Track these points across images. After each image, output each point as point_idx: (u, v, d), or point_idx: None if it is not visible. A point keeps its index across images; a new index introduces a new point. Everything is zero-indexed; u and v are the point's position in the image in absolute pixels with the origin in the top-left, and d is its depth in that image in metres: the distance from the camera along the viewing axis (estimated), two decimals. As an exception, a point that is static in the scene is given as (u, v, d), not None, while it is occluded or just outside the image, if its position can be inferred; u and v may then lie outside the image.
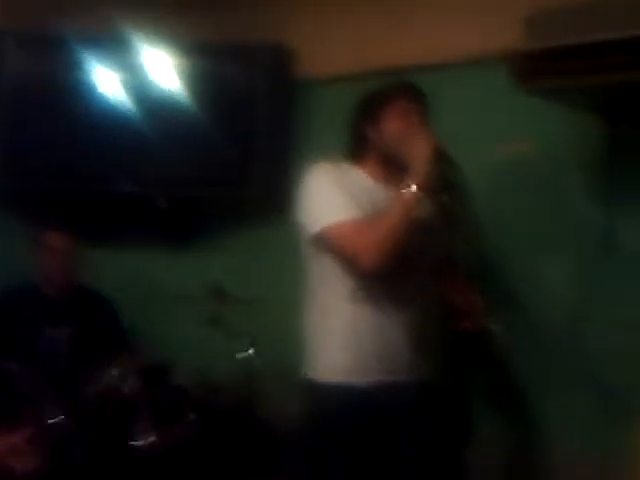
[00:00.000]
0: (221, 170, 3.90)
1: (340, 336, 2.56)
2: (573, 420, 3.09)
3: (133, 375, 2.98)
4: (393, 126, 2.58)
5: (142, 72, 3.89)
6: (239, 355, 3.18)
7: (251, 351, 3.17)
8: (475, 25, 3.18)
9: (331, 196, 2.51)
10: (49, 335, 3.53)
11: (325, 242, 2.52)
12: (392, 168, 2.57)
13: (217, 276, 3.45)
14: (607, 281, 3.01)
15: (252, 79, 3.89)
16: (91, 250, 3.71)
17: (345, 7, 3.63)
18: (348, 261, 2.50)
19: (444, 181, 2.47)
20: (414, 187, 2.40)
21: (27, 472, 1.73)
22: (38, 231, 3.62)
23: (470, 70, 3.21)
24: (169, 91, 3.87)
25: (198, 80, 3.86)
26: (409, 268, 2.52)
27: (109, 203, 3.89)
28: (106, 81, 3.92)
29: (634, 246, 2.94)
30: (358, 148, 2.67)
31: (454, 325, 2.67)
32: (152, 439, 2.89)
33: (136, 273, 4.06)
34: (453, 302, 2.68)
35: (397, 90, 2.63)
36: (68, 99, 3.92)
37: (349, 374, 2.55)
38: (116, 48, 3.87)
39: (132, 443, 2.88)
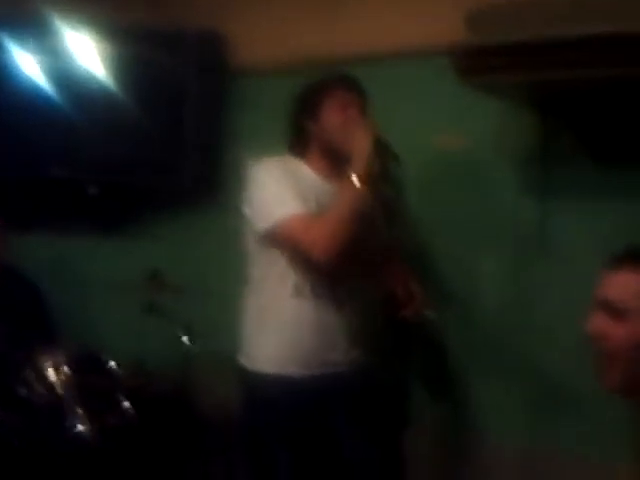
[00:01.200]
0: (151, 158, 3.83)
1: (278, 328, 2.60)
2: (505, 409, 3.16)
3: (63, 364, 2.93)
4: (332, 118, 2.62)
5: (69, 56, 3.77)
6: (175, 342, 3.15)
7: (185, 339, 3.14)
8: (415, 16, 3.19)
9: (278, 192, 2.54)
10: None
11: (274, 238, 2.54)
12: (334, 161, 2.62)
13: (151, 264, 3.41)
14: (541, 277, 3.08)
15: (183, 66, 3.83)
16: (21, 236, 3.64)
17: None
18: (299, 255, 2.52)
19: (385, 172, 2.52)
20: (355, 179, 2.43)
21: None
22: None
23: (407, 62, 3.22)
24: (98, 76, 3.77)
25: (129, 66, 3.76)
26: (353, 260, 2.55)
27: (39, 188, 3.81)
28: (30, 65, 3.80)
29: (568, 242, 3.01)
30: (299, 142, 2.70)
31: (393, 314, 2.71)
32: (84, 429, 2.85)
33: (67, 260, 3.99)
34: (392, 292, 2.72)
35: (335, 82, 2.66)
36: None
37: (286, 365, 2.59)
38: (39, 30, 3.73)
39: (64, 434, 2.84)
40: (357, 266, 2.61)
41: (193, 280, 3.49)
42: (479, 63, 2.43)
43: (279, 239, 2.54)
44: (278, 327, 2.60)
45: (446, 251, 3.27)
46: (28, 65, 3.80)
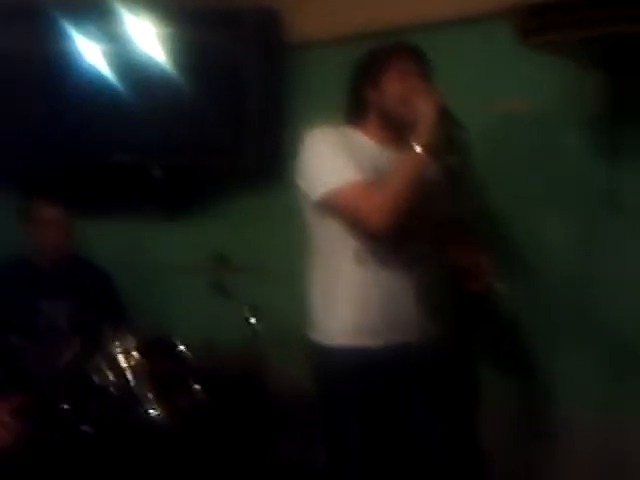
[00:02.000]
0: (212, 138, 3.84)
1: (347, 298, 2.55)
2: (578, 378, 3.09)
3: (133, 349, 2.94)
4: (393, 86, 2.55)
5: (128, 41, 3.80)
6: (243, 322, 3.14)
7: (253, 319, 3.13)
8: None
9: (334, 159, 2.48)
10: (47, 309, 3.48)
11: (330, 206, 2.50)
12: (394, 130, 2.56)
13: (217, 244, 3.41)
14: (612, 239, 2.99)
15: (241, 45, 3.82)
16: (87, 222, 3.67)
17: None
18: (354, 224, 2.48)
19: (450, 141, 2.45)
20: (419, 148, 2.38)
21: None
22: (29, 204, 3.55)
23: (469, 28, 3.16)
24: (157, 60, 3.79)
25: (187, 48, 3.78)
26: (416, 230, 2.51)
27: (103, 174, 3.82)
28: (90, 51, 3.83)
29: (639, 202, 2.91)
30: (358, 111, 2.64)
31: (461, 286, 2.65)
32: (156, 413, 2.86)
33: (133, 244, 4.02)
34: (460, 263, 2.65)
35: (396, 50, 2.60)
36: (53, 71, 3.84)
37: (357, 336, 2.54)
38: (99, 17, 3.78)
39: (136, 419, 2.85)
40: (421, 235, 2.56)
41: (259, 260, 3.47)
42: (540, 21, 2.33)
43: (335, 207, 2.49)
44: (343, 297, 2.55)
45: (514, 217, 3.20)
46: (90, 52, 3.84)
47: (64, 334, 3.37)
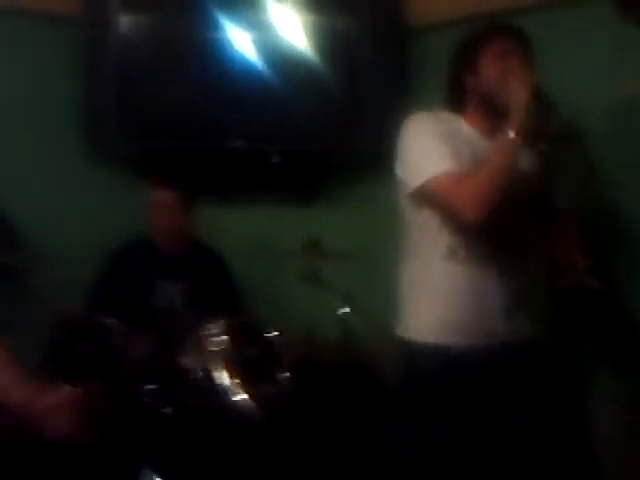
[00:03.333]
0: (331, 122, 3.81)
1: (436, 295, 2.45)
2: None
3: (223, 332, 2.94)
4: (491, 69, 2.42)
5: (259, 26, 3.83)
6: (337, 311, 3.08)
7: (346, 309, 3.06)
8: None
9: (430, 147, 2.38)
10: (162, 290, 3.54)
11: (424, 196, 2.40)
12: (493, 116, 2.42)
13: (321, 231, 3.37)
14: None
15: (358, 28, 3.77)
16: (205, 207, 3.71)
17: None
18: (448, 215, 2.37)
19: (545, 127, 2.29)
20: (512, 134, 2.24)
21: (57, 437, 1.66)
22: (150, 188, 3.61)
23: (584, 8, 2.96)
24: (277, 44, 3.81)
25: (306, 33, 3.77)
26: (510, 222, 2.37)
27: (221, 159, 3.87)
28: (219, 37, 3.86)
29: None
30: (457, 96, 2.53)
31: (555, 282, 2.49)
32: (242, 399, 2.85)
33: (252, 229, 4.04)
34: (555, 258, 2.49)
35: (493, 32, 2.46)
36: (181, 57, 3.90)
37: (445, 334, 2.43)
38: (225, 2, 3.81)
39: (222, 404, 2.85)
40: (515, 228, 2.42)
41: (359, 249, 3.40)
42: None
43: (430, 198, 2.39)
44: (432, 293, 2.46)
45: (632, 206, 2.99)
46: (216, 38, 3.87)
47: (178, 315, 3.44)
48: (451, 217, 2.37)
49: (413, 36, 3.71)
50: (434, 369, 2.43)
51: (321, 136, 3.84)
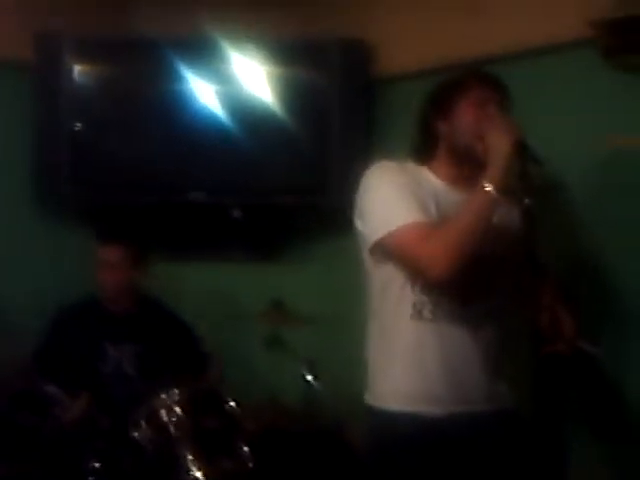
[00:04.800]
0: (296, 176, 3.71)
1: (403, 359, 2.28)
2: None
3: (177, 402, 2.74)
4: (466, 117, 2.28)
5: (222, 77, 3.74)
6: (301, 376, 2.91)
7: (309, 377, 2.88)
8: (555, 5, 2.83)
9: (393, 198, 2.22)
10: (111, 353, 3.34)
11: (388, 250, 2.23)
12: (465, 167, 2.29)
13: (283, 291, 3.20)
14: None
15: (326, 78, 3.67)
16: (163, 262, 3.58)
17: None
18: (413, 271, 2.21)
19: (526, 180, 2.14)
20: (490, 187, 2.08)
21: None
22: (97, 245, 3.42)
23: (561, 56, 2.87)
24: (240, 96, 3.71)
25: (271, 85, 3.68)
26: (485, 280, 2.23)
27: (181, 213, 3.75)
28: (179, 89, 3.76)
29: None
30: (427, 145, 2.37)
31: (539, 347, 2.31)
32: (197, 474, 2.64)
33: (210, 286, 3.90)
34: (537, 321, 2.31)
35: (469, 79, 2.33)
36: (139, 108, 3.81)
37: (415, 402, 2.25)
38: (186, 54, 3.71)
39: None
40: (491, 287, 2.27)
41: (323, 310, 3.24)
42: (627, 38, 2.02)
43: (393, 251, 2.22)
44: (399, 356, 2.28)
45: (621, 262, 2.87)
46: (173, 89, 3.77)
47: (128, 381, 3.25)
48: (416, 273, 2.20)
49: (380, 87, 3.63)
50: (406, 437, 2.25)
51: (284, 190, 3.71)
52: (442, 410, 2.24)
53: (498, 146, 2.11)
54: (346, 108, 3.66)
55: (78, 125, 3.74)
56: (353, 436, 3.00)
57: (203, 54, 3.72)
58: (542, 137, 2.25)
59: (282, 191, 3.71)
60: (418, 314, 2.24)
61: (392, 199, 2.22)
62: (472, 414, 2.26)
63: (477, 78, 2.32)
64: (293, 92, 3.66)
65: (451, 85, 2.35)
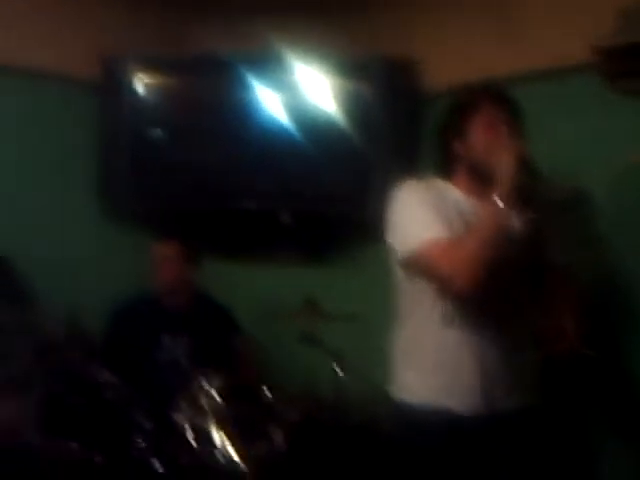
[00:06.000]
0: (342, 186, 3.86)
1: (432, 362, 2.44)
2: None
3: (216, 390, 2.95)
4: (479, 136, 2.44)
5: (280, 87, 3.91)
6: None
7: (339, 370, 3.07)
8: (585, 27, 2.92)
9: (418, 215, 2.39)
10: (168, 345, 3.57)
11: (415, 264, 2.40)
12: (481, 182, 2.42)
13: (323, 292, 3.40)
14: None
15: (375, 93, 3.81)
16: (213, 263, 3.76)
17: (461, 18, 3.55)
18: (440, 283, 2.37)
19: (530, 195, 2.31)
20: (499, 201, 2.26)
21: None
22: (154, 242, 3.68)
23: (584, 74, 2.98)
24: (293, 105, 3.87)
25: (324, 95, 3.83)
26: (502, 288, 2.37)
27: (233, 218, 3.94)
28: (235, 98, 3.96)
29: None
30: (446, 162, 2.54)
31: (547, 349, 2.48)
32: (231, 457, 2.84)
33: (250, 286, 4.09)
34: (545, 324, 2.48)
35: (483, 99, 2.48)
36: (197, 118, 4.00)
37: (441, 397, 2.41)
38: (243, 64, 3.89)
39: (210, 460, 2.85)
40: (508, 294, 2.42)
41: (355, 310, 3.41)
42: (626, 64, 2.15)
43: (420, 266, 2.39)
44: (429, 359, 2.44)
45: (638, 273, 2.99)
46: (233, 100, 3.96)
47: (181, 369, 3.42)
48: (442, 284, 2.36)
49: (426, 102, 3.76)
50: (428, 430, 2.40)
51: (331, 199, 3.88)
52: (466, 406, 2.38)
53: (504, 164, 2.27)
54: (391, 122, 3.80)
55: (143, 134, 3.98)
56: (381, 428, 3.16)
57: (261, 67, 3.89)
58: (557, 155, 2.42)
59: (328, 200, 3.87)
60: (447, 322, 2.40)
61: (417, 216, 2.38)
62: (494, 412, 2.40)
63: (489, 98, 2.47)
64: (343, 105, 3.79)
65: (464, 106, 2.50)
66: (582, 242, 2.98)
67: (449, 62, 3.61)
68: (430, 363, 2.44)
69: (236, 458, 2.84)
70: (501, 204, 2.25)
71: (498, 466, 2.44)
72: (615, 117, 2.92)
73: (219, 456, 2.86)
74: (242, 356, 3.61)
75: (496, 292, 2.34)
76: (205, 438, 2.90)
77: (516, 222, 2.42)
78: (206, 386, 2.96)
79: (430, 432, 2.40)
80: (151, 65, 4.02)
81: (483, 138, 2.42)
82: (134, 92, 3.98)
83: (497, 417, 2.41)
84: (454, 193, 2.50)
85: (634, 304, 3.01)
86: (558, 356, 2.48)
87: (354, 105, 3.81)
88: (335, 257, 4.00)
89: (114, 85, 3.98)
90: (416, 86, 3.82)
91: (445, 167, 2.55)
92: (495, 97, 2.49)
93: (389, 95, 3.81)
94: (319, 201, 3.90)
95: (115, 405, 3.00)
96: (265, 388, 3.02)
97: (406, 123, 3.84)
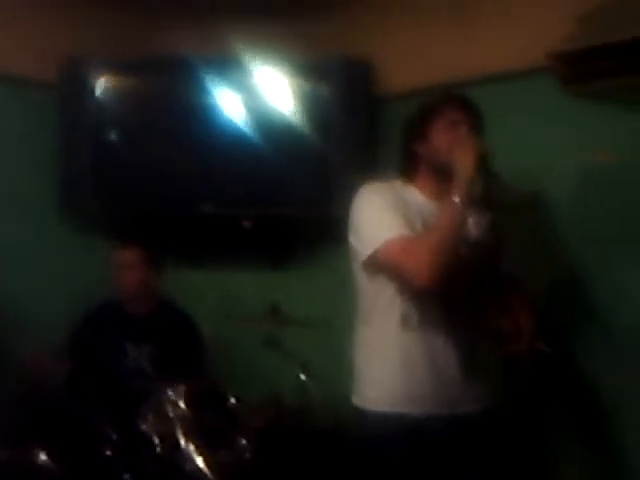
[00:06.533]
0: (302, 188, 3.86)
1: (392, 363, 2.47)
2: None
3: (182, 398, 2.94)
4: (441, 139, 2.48)
5: (230, 91, 3.89)
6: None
7: (303, 376, 3.07)
8: (542, 31, 2.96)
9: (380, 216, 2.43)
10: (132, 353, 3.55)
11: (378, 263, 2.43)
12: (443, 182, 2.46)
13: (285, 297, 3.40)
14: None
15: (333, 94, 3.82)
16: (175, 269, 3.75)
17: (418, 22, 3.57)
18: (401, 281, 2.40)
19: (487, 195, 2.35)
20: (457, 199, 2.29)
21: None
22: (116, 248, 3.64)
23: (542, 77, 3.01)
24: (253, 108, 3.86)
25: (284, 97, 3.83)
26: (463, 288, 2.41)
27: (194, 223, 3.93)
28: (194, 101, 3.93)
29: None
30: (409, 165, 2.58)
31: (503, 349, 2.51)
32: (197, 465, 2.84)
33: (212, 292, 4.07)
34: (501, 324, 2.51)
35: (443, 102, 2.53)
36: (157, 121, 3.98)
37: (402, 403, 2.45)
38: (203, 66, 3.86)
39: (177, 470, 2.84)
40: (468, 294, 2.46)
41: (318, 314, 3.41)
42: (580, 68, 2.19)
43: (382, 264, 2.42)
44: (388, 361, 2.47)
45: (599, 271, 3.03)
46: (189, 103, 3.93)
47: (145, 377, 3.41)
48: (404, 283, 2.39)
49: (385, 103, 3.79)
50: (391, 437, 2.44)
51: (291, 202, 3.87)
52: (427, 411, 2.42)
53: (462, 162, 2.32)
54: (350, 124, 3.81)
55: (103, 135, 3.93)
56: (345, 434, 3.17)
57: (221, 69, 3.88)
58: (514, 157, 2.46)
59: (289, 203, 3.86)
60: (406, 323, 2.44)
61: (379, 217, 2.42)
62: (455, 415, 2.44)
63: (448, 101, 2.52)
64: (302, 107, 3.80)
65: (425, 109, 2.55)
66: (538, 244, 3.02)
67: (407, 63, 3.63)
68: (390, 366, 2.47)
69: (202, 466, 2.84)
70: (459, 203, 2.28)
71: (460, 468, 2.48)
72: (570, 120, 2.97)
73: (186, 464, 2.85)
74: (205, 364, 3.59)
75: (455, 292, 2.38)
76: (172, 446, 2.89)
77: (474, 222, 2.46)
78: (171, 394, 2.93)
79: (391, 438, 2.44)
80: (112, 67, 3.99)
81: (444, 140, 2.47)
82: (95, 93, 3.94)
83: (458, 419, 2.45)
84: (416, 195, 2.54)
85: (591, 304, 3.05)
86: (515, 356, 2.51)
87: (313, 106, 3.82)
88: (298, 261, 4.00)
89: (75, 86, 3.95)
90: (375, 87, 3.82)
91: (407, 169, 2.59)
92: (455, 99, 2.53)
93: (348, 96, 3.82)
94: (281, 204, 3.89)
95: (81, 415, 2.98)
96: (230, 395, 3.01)
97: (365, 124, 3.86)
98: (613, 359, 2.95)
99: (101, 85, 3.95)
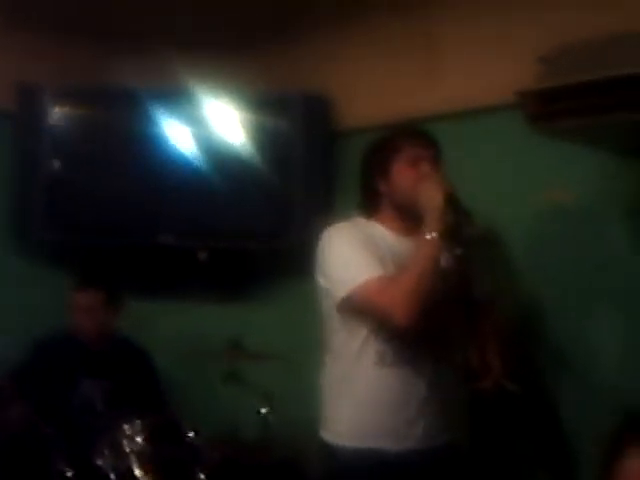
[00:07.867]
0: (259, 221, 3.85)
1: (365, 399, 2.45)
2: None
3: (139, 433, 2.90)
4: (402, 175, 2.48)
5: (194, 121, 3.88)
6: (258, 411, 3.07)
7: (264, 409, 3.05)
8: (506, 69, 3.01)
9: (353, 256, 2.40)
10: (84, 387, 3.47)
11: (354, 304, 2.40)
12: (408, 219, 2.47)
13: (245, 330, 3.37)
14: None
15: (291, 128, 3.83)
16: (132, 301, 3.69)
17: (379, 56, 3.59)
18: (379, 320, 2.38)
19: (456, 231, 2.34)
20: (431, 236, 2.29)
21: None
22: (72, 287, 3.57)
23: (507, 115, 3.02)
24: (210, 141, 3.85)
25: (241, 130, 3.82)
26: (437, 324, 2.41)
27: (150, 254, 3.88)
28: (151, 132, 3.90)
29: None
30: (371, 201, 2.57)
31: (471, 385, 2.52)
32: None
33: (170, 326, 4.02)
34: (470, 360, 2.52)
35: (402, 138, 2.52)
36: (113, 151, 3.94)
37: (374, 438, 2.43)
38: (159, 98, 3.86)
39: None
40: (441, 331, 2.45)
41: (279, 348, 3.39)
42: (548, 107, 2.24)
43: (358, 305, 2.39)
44: (359, 397, 2.45)
45: (555, 309, 3.03)
46: (144, 135, 3.90)
47: (97, 414, 3.36)
48: (383, 323, 2.37)
49: (340, 139, 3.79)
50: (360, 472, 2.42)
51: (249, 234, 3.85)
52: (397, 445, 2.41)
53: (431, 200, 2.30)
54: (308, 157, 3.82)
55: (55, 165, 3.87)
56: (307, 469, 3.15)
57: (174, 102, 3.86)
58: (478, 193, 2.47)
59: (246, 235, 3.84)
60: (381, 361, 2.41)
61: (351, 258, 2.39)
62: (424, 450, 2.43)
63: (409, 137, 2.51)
64: (259, 140, 3.80)
65: (384, 145, 2.53)
66: (499, 277, 3.04)
67: (366, 98, 3.64)
68: (363, 402, 2.45)
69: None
70: (430, 239, 2.28)
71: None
72: (535, 156, 2.99)
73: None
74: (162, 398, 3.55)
75: (430, 328, 2.37)
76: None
77: (445, 257, 2.44)
78: (127, 429, 2.88)
79: (361, 473, 2.42)
80: (65, 96, 3.94)
81: (406, 176, 2.46)
82: (48, 123, 3.89)
83: (427, 454, 2.44)
84: (382, 231, 2.53)
85: (549, 337, 3.05)
86: (484, 392, 2.51)
87: (271, 140, 3.82)
88: (256, 293, 3.97)
89: (28, 115, 3.90)
90: (333, 121, 3.83)
91: (369, 205, 2.57)
92: (416, 136, 2.53)
93: (305, 130, 3.83)
94: (237, 237, 3.86)
95: (35, 451, 2.91)
96: (188, 429, 2.97)
97: (322, 158, 3.87)
98: (580, 395, 2.94)
99: (54, 114, 3.91)
